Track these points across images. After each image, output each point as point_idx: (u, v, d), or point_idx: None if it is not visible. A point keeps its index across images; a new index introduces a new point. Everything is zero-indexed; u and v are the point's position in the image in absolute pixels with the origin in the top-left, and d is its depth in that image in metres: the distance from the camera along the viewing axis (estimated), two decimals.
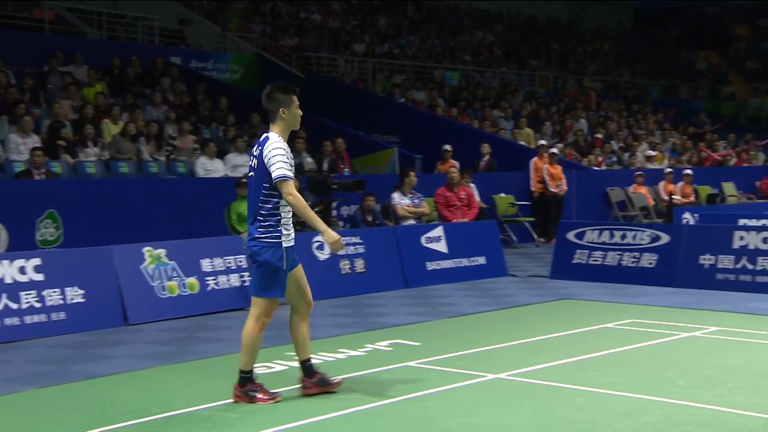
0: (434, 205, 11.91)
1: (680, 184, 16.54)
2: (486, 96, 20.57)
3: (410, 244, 9.97)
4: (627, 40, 30.42)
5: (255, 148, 4.90)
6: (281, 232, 4.82)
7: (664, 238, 9.73)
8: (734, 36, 32.07)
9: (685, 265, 9.52)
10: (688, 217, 12.62)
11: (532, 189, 15.10)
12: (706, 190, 17.34)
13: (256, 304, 4.87)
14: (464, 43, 24.36)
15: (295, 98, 4.90)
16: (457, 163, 14.18)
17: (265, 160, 4.77)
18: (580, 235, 10.35)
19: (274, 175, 4.74)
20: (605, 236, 10.20)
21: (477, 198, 13.07)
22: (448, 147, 14.87)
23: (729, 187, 17.98)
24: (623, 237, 10.07)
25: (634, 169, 17.10)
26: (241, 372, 4.88)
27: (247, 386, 4.87)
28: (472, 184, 13.48)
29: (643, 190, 16.13)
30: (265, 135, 4.90)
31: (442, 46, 23.38)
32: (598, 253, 10.19)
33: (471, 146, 15.79)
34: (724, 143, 21.21)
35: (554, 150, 15.56)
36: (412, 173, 11.48)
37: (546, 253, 12.64)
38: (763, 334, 6.79)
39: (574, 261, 10.31)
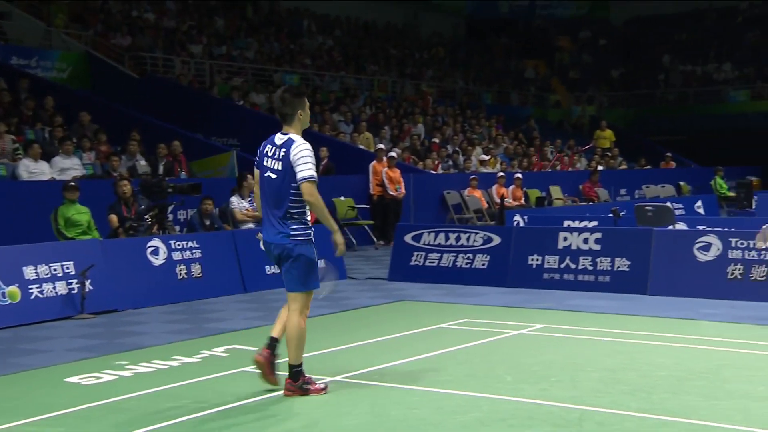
0: None
1: (511, 187, 17.49)
2: (326, 100, 20.70)
3: (249, 248, 9.85)
4: (461, 47, 31.78)
5: (271, 150, 5.17)
6: (312, 229, 5.20)
7: (496, 240, 10.21)
8: (558, 47, 34.47)
9: (515, 265, 10.00)
10: (518, 219, 13.30)
11: (372, 192, 15.34)
12: (535, 193, 18.47)
13: (296, 300, 5.15)
14: (304, 46, 24.37)
15: (306, 99, 5.29)
16: None
17: (293, 160, 5.07)
18: (417, 238, 10.63)
19: (300, 175, 5.05)
20: (441, 238, 10.54)
21: None
22: None
23: (555, 191, 19.25)
24: (458, 239, 10.44)
25: (469, 173, 17.87)
26: (293, 367, 5.12)
27: (300, 380, 5.12)
28: None
29: (477, 193, 16.88)
30: (286, 137, 5.18)
31: (282, 49, 23.26)
32: (434, 255, 10.49)
33: None
34: (551, 148, 22.73)
35: (393, 154, 15.92)
36: (250, 176, 11.34)
37: (385, 256, 12.87)
38: (583, 330, 7.27)
39: (412, 263, 10.57)
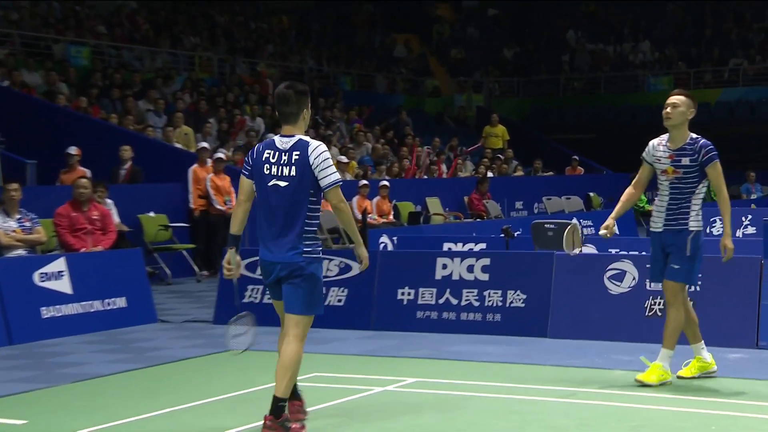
0: (54, 230, 11.50)
1: (377, 199, 17.82)
2: (129, 82, 20.30)
3: (17, 284, 9.59)
4: (311, 16, 32.09)
5: (274, 154, 5.84)
6: (320, 245, 5.89)
7: (356, 268, 10.33)
8: (436, 18, 35.43)
9: (381, 301, 10.20)
10: (385, 241, 13.64)
11: (192, 206, 15.26)
12: (407, 207, 18.90)
13: (299, 324, 5.85)
14: (95, 9, 23.80)
15: (309, 99, 5.99)
16: (87, 172, 13.84)
17: (314, 165, 5.76)
18: (253, 266, 10.58)
19: (328, 180, 5.77)
20: None
21: (115, 219, 12.94)
22: (74, 150, 14.44)
23: (434, 204, 19.81)
24: None
25: None
26: (278, 401, 5.75)
27: (282, 416, 5.73)
28: (108, 201, 13.28)
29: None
30: (293, 139, 5.85)
31: (64, 11, 22.60)
32: None
33: (107, 149, 15.52)
34: (428, 148, 23.37)
35: (221, 155, 15.85)
36: (14, 187, 10.93)
37: (210, 291, 12.79)
38: (467, 384, 7.45)
39: (246, 300, 10.54)
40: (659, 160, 7.27)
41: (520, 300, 9.79)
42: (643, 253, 10.04)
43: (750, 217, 15.53)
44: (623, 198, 7.54)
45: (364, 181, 17.90)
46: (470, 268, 10.07)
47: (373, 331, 9.96)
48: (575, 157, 26.39)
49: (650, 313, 9.19)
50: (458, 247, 12.48)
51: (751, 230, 15.21)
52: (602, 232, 7.45)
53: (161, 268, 14.38)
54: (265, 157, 5.87)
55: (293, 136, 5.88)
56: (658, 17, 34.65)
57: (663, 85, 31.80)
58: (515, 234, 12.68)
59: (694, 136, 7.25)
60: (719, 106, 30.52)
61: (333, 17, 32.74)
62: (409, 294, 10.19)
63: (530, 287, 9.77)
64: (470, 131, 29.25)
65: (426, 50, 34.11)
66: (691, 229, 7.20)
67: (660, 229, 7.27)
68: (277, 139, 5.92)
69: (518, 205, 22.56)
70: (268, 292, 6.48)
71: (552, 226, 11.88)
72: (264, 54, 27.11)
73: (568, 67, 34.11)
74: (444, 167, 22.63)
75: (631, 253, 10.09)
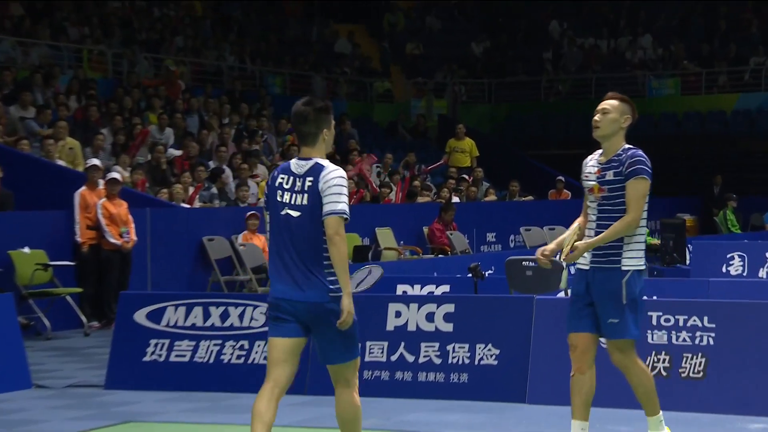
0: None
1: None
2: None
3: None
4: (231, 1, 32.09)
5: (288, 180, 6.39)
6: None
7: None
8: (387, 5, 35.61)
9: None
10: None
11: (79, 240, 15.16)
12: (353, 240, 18.92)
13: (346, 371, 6.43)
14: None
15: (332, 116, 6.54)
16: None
17: (322, 191, 6.28)
18: (156, 315, 10.59)
19: (329, 207, 6.25)
20: (197, 316, 10.58)
21: None
22: None
23: (385, 236, 19.91)
24: (226, 317, 10.52)
25: (246, 208, 18.05)
26: None
27: None
28: None
29: (261, 240, 17.06)
30: (309, 162, 6.39)
31: None
32: (185, 344, 10.51)
33: None
34: (378, 168, 23.46)
35: (115, 175, 15.77)
36: None
37: (101, 347, 12.66)
38: None
39: (147, 358, 10.51)
40: (587, 177, 7.32)
41: (491, 356, 9.81)
42: (644, 298, 10.15)
43: None
44: (573, 226, 7.41)
45: None
46: (430, 317, 10.09)
47: (307, 396, 9.90)
48: (561, 177, 26.60)
49: (654, 373, 9.27)
50: (415, 290, 12.52)
51: None
52: (539, 256, 7.47)
53: (38, 318, 14.23)
54: (279, 183, 6.42)
55: (310, 159, 6.40)
56: (661, 6, 35.19)
57: (668, 88, 32.26)
58: (486, 274, 12.73)
59: (627, 146, 7.27)
60: (737, 115, 31.00)
61: (259, 3, 32.80)
62: None
63: (504, 340, 9.79)
64: (431, 145, 29.41)
65: (375, 45, 34.31)
66: (625, 267, 7.06)
67: (586, 267, 7.17)
68: (293, 162, 6.45)
69: (490, 237, 22.70)
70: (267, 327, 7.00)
71: (531, 263, 11.93)
72: (172, 48, 27.07)
73: (552, 66, 34.49)
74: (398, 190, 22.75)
75: None
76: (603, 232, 7.04)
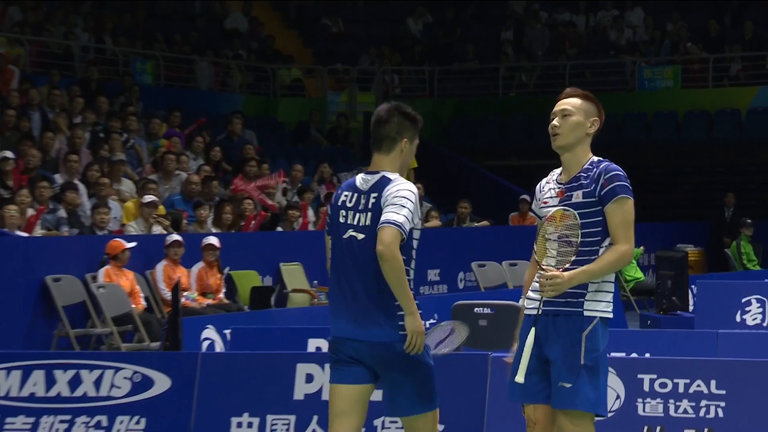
0: None
1: (198, 267, 17.81)
2: None
3: None
4: None
5: (351, 198, 7.09)
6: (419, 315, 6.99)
7: (161, 383, 10.37)
8: None
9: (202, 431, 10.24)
10: (211, 337, 13.77)
11: None
12: (249, 279, 18.88)
13: (424, 423, 7.09)
14: None
15: (419, 128, 7.23)
16: None
17: (384, 203, 6.94)
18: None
19: (384, 216, 6.86)
20: (37, 383, 10.51)
21: None
22: None
23: (294, 274, 19.90)
24: (76, 384, 10.46)
25: (105, 236, 17.91)
26: None
27: None
28: None
29: (126, 278, 17.01)
30: (376, 176, 7.12)
31: None
32: (20, 421, 10.40)
33: None
34: (284, 183, 23.39)
35: None
36: None
37: None
38: None
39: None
40: (546, 203, 7.18)
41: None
42: (633, 355, 10.22)
43: None
44: (526, 281, 7.32)
45: (176, 237, 17.84)
46: None
47: None
48: (525, 196, 26.60)
49: None
50: None
51: None
52: (507, 359, 7.33)
53: None
54: (342, 201, 7.12)
55: (377, 173, 7.11)
56: None
57: (665, 79, 32.46)
58: (427, 324, 12.74)
59: (596, 158, 7.18)
60: (754, 115, 31.29)
61: None
62: (250, 425, 10.19)
63: (453, 408, 9.80)
64: (354, 153, 29.43)
65: (280, 21, 34.32)
66: (588, 314, 6.95)
67: (534, 311, 7.05)
68: (359, 177, 7.15)
69: (432, 275, 22.76)
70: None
71: (487, 310, 12.07)
72: (3, 23, 26.83)
73: (513, 50, 34.70)
74: (310, 213, 22.67)
75: (614, 355, 10.25)
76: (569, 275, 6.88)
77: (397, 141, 7.14)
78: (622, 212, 6.95)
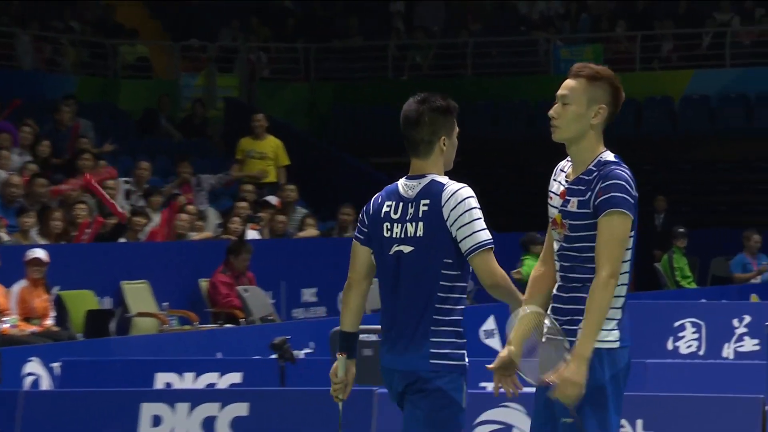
0: None
1: (19, 285, 17.61)
2: None
3: None
4: None
5: (396, 207, 7.32)
6: (463, 346, 7.19)
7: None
8: None
9: None
10: (36, 371, 13.65)
11: None
12: (83, 301, 18.77)
13: None
14: None
15: (455, 120, 7.44)
16: None
17: (449, 219, 7.15)
18: None
19: (472, 241, 7.11)
20: None
21: None
22: None
23: (138, 294, 19.84)
24: None
25: None
26: None
27: None
28: None
29: None
30: (424, 181, 7.34)
31: None
32: None
33: None
34: (126, 184, 23.26)
35: None
36: None
37: None
38: None
39: None
40: (551, 199, 7.23)
41: None
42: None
43: (748, 319, 16.12)
44: (530, 287, 7.35)
45: None
46: (209, 424, 10.18)
47: None
48: None
49: None
50: (186, 381, 12.54)
51: (749, 344, 15.81)
52: (497, 385, 7.34)
53: None
54: (385, 212, 7.33)
55: (423, 176, 7.33)
56: None
57: (585, 60, 32.52)
58: (300, 353, 12.77)
59: (605, 158, 7.11)
60: (689, 103, 31.83)
61: None
62: None
63: None
64: (213, 147, 29.40)
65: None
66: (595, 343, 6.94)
67: (542, 340, 7.14)
68: (401, 183, 7.39)
69: (308, 295, 22.82)
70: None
71: (373, 337, 12.16)
72: None
73: (404, 24, 34.82)
74: (156, 218, 22.56)
75: (524, 390, 10.32)
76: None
77: (434, 142, 7.37)
78: (609, 229, 6.92)
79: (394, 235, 7.25)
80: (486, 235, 7.13)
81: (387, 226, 7.27)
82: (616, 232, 6.91)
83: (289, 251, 23.40)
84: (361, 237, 7.41)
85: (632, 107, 31.73)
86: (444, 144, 7.36)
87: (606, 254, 6.88)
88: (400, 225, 7.25)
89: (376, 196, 7.46)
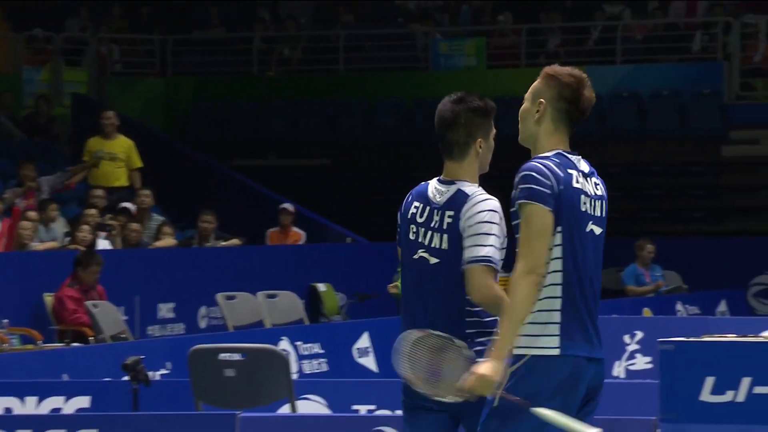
0: None
1: None
2: None
3: None
4: None
5: (423, 212, 7.50)
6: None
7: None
8: None
9: None
10: None
11: None
12: None
13: None
14: None
15: (493, 121, 7.54)
16: None
17: (464, 231, 7.31)
18: None
19: (470, 253, 7.27)
20: None
21: None
22: None
23: None
24: None
25: None
26: None
27: None
28: None
29: None
30: (451, 188, 7.49)
31: None
32: None
33: None
34: None
35: None
36: None
37: None
38: None
39: None
40: None
41: None
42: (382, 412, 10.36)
43: (640, 335, 16.26)
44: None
45: None
46: None
47: None
48: (287, 205, 26.81)
49: None
50: (27, 405, 12.45)
51: (641, 362, 15.94)
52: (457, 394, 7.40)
53: None
54: (412, 214, 7.55)
55: (453, 183, 7.50)
56: None
57: (466, 55, 32.94)
58: (154, 375, 12.70)
59: (544, 154, 7.21)
60: None
61: None
62: None
63: None
64: (59, 149, 29.18)
65: None
66: (517, 351, 7.07)
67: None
68: (432, 185, 7.59)
69: (164, 310, 22.73)
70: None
71: (236, 356, 12.20)
72: None
73: (270, 14, 34.76)
74: None
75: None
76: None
77: (470, 144, 7.53)
78: (524, 222, 7.02)
79: (419, 240, 7.45)
80: (488, 251, 7.27)
81: (413, 228, 7.51)
82: (524, 225, 7.00)
83: (143, 263, 23.23)
84: (397, 238, 7.63)
85: (518, 106, 31.79)
86: (480, 146, 7.55)
87: (521, 248, 7.03)
88: (425, 231, 7.46)
89: (408, 195, 7.66)
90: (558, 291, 7.08)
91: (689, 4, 33.51)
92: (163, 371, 14.06)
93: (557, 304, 7.09)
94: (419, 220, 7.51)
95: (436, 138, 7.62)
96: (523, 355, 7.04)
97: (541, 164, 7.07)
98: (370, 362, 18.80)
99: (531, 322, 7.04)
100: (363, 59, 33.64)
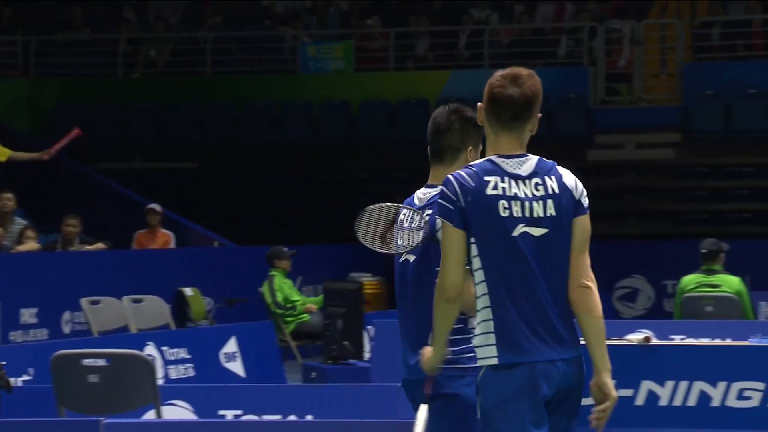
0: None
1: None
2: None
3: None
4: None
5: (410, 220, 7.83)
6: (472, 347, 7.40)
7: None
8: None
9: None
10: None
11: None
12: None
13: None
14: None
15: (482, 130, 7.57)
16: None
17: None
18: None
19: None
20: None
21: None
22: None
23: None
24: None
25: None
26: None
27: None
28: None
29: None
30: (432, 192, 7.81)
31: None
32: None
33: None
34: None
35: None
36: None
37: None
38: None
39: None
40: None
41: None
42: (292, 417, 10.28)
43: None
44: None
45: None
46: None
47: None
48: (154, 206, 26.63)
49: None
50: None
51: None
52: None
53: None
54: (400, 220, 7.92)
55: (435, 186, 7.67)
56: None
57: (334, 59, 32.90)
58: (16, 381, 12.55)
59: (461, 170, 7.33)
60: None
61: None
62: None
63: None
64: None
65: None
66: (463, 364, 7.75)
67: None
68: (419, 193, 8.05)
69: (27, 316, 22.51)
70: None
71: (100, 361, 12.11)
72: None
73: (137, 15, 34.57)
74: None
75: (266, 418, 10.26)
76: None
77: (461, 150, 7.90)
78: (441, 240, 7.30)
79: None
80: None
81: (400, 234, 7.88)
82: (443, 242, 7.22)
83: (5, 267, 22.99)
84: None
85: (385, 110, 31.89)
86: (470, 155, 7.85)
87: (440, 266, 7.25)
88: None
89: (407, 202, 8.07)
90: (487, 301, 7.15)
91: (556, 10, 33.77)
92: (26, 377, 13.87)
93: (489, 314, 7.15)
94: (405, 225, 7.93)
95: (429, 144, 7.97)
96: (481, 367, 7.23)
97: (453, 177, 7.17)
98: (237, 367, 18.66)
99: (478, 333, 7.21)
100: (230, 62, 33.52)
